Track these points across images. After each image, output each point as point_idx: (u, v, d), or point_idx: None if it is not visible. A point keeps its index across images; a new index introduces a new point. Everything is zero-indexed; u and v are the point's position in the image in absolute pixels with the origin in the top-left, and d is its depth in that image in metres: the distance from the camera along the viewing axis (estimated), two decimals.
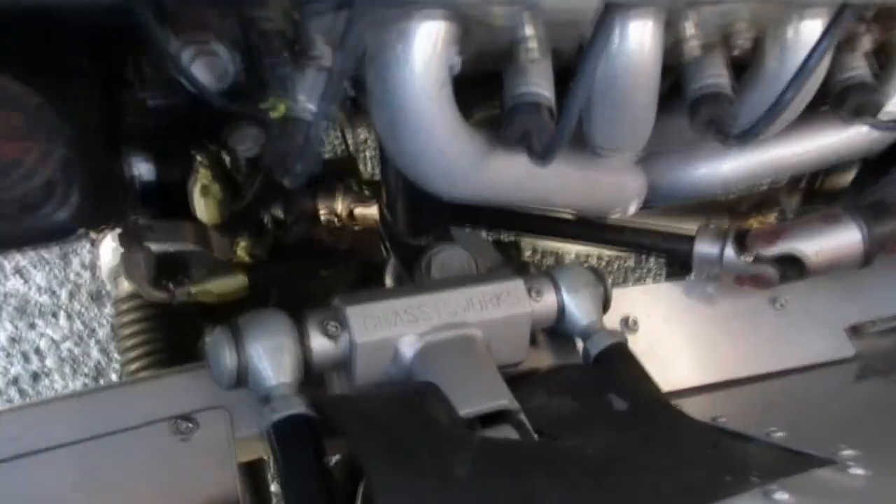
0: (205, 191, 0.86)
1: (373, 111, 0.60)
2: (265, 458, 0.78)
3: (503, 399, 0.64)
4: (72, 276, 1.34)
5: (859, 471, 0.50)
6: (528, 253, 1.45)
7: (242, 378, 0.64)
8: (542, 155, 0.61)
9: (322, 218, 1.09)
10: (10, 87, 0.43)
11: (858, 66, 0.75)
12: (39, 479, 0.66)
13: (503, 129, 0.63)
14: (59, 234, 0.50)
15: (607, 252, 1.67)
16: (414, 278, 0.92)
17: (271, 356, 0.64)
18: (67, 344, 1.29)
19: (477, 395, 0.64)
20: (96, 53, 0.57)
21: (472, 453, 0.55)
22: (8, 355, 1.26)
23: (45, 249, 1.31)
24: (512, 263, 1.06)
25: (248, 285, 0.88)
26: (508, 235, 1.36)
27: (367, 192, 1.09)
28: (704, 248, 0.87)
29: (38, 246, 0.59)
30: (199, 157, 0.78)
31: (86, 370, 1.27)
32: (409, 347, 0.67)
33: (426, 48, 0.55)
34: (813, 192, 1.16)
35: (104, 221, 0.58)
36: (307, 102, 0.52)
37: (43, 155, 0.43)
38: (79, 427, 0.68)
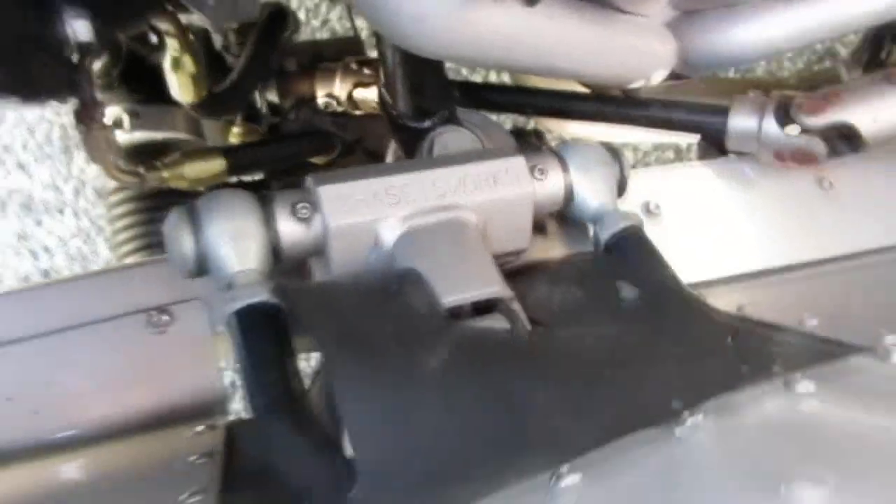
0: (175, 63, 0.78)
1: None
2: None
3: (493, 286, 0.56)
4: (75, 172, 1.29)
5: None
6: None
7: (202, 265, 0.57)
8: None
9: (320, 102, 1.00)
10: None
11: None
12: (6, 372, 0.63)
13: None
14: None
15: (645, 142, 1.55)
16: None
17: (233, 240, 0.57)
18: (75, 241, 1.26)
19: (464, 282, 0.56)
20: None
21: (449, 345, 0.48)
22: (17, 252, 1.24)
23: (46, 143, 1.27)
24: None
25: (226, 169, 0.81)
26: (528, 121, 1.25)
27: (367, 73, 1.00)
28: (741, 119, 0.76)
29: None
30: (162, 27, 0.70)
31: (95, 267, 1.25)
32: (390, 232, 0.60)
33: None
34: (881, 63, 1.02)
35: (39, 92, 0.51)
36: None
37: None
38: (49, 317, 0.64)
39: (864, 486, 0.30)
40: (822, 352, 0.44)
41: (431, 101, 0.86)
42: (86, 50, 0.60)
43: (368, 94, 1.00)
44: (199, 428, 0.61)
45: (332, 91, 0.99)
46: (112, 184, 1.15)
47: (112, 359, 0.65)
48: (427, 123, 0.85)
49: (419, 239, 0.60)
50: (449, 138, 0.82)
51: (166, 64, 0.77)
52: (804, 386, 0.39)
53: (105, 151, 0.69)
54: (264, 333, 0.53)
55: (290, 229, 0.59)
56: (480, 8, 0.55)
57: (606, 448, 0.37)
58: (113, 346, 0.65)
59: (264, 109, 0.99)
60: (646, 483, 0.34)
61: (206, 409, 0.65)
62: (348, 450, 0.48)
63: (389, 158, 0.92)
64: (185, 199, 0.97)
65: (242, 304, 0.53)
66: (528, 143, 1.03)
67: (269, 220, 0.58)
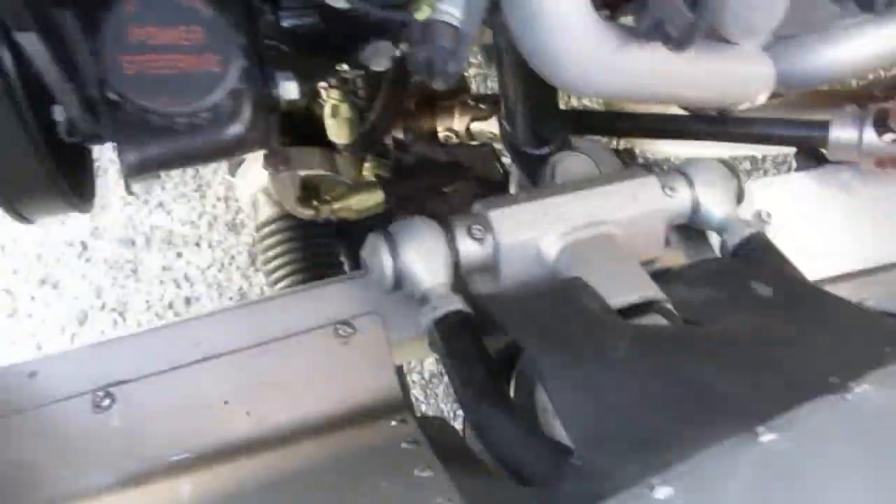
0: (335, 111, 0.90)
1: (509, 14, 0.61)
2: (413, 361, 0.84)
3: (650, 290, 0.66)
4: (208, 208, 1.43)
5: None
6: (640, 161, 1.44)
7: (399, 281, 0.68)
8: (679, 42, 0.60)
9: (440, 136, 1.11)
10: (191, 1, 0.46)
11: None
12: (222, 379, 0.74)
13: (636, 20, 0.63)
14: (231, 149, 0.54)
15: (722, 154, 1.63)
16: (538, 186, 0.94)
17: (425, 259, 0.68)
18: (212, 271, 1.39)
19: (623, 287, 0.66)
20: None
21: (628, 338, 0.58)
22: (161, 282, 1.37)
23: (182, 184, 1.41)
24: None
25: (384, 200, 0.92)
26: (621, 143, 1.35)
27: (483, 107, 1.11)
28: (842, 131, 0.84)
29: (212, 161, 0.63)
30: (330, 80, 0.82)
31: (230, 294, 1.37)
32: (551, 247, 0.70)
33: None
34: None
35: (264, 140, 0.62)
36: (448, 6, 0.54)
37: (224, 65, 0.47)
38: (252, 333, 0.75)
39: None
40: None
41: (548, 130, 0.96)
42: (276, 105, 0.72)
43: (484, 127, 1.10)
44: (393, 422, 0.72)
45: (452, 125, 1.11)
46: (242, 218, 1.28)
47: (308, 365, 0.75)
48: (545, 150, 0.96)
49: (578, 252, 0.70)
50: (569, 163, 0.93)
51: (326, 111, 0.89)
52: None
53: (288, 189, 0.81)
54: (463, 336, 0.63)
55: (468, 248, 0.69)
56: (631, 51, 0.66)
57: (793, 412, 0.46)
58: (308, 354, 0.76)
59: (391, 145, 1.11)
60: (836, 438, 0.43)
61: (388, 406, 0.75)
62: (548, 429, 0.58)
63: (513, 182, 1.03)
64: (323, 229, 1.09)
65: (442, 313, 0.64)
66: (624, 161, 1.13)
67: (451, 242, 0.69)
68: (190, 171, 1.36)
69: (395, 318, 0.76)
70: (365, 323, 0.76)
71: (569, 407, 0.53)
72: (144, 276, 1.38)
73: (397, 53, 0.71)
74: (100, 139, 0.65)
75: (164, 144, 0.50)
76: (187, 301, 1.34)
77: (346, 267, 1.13)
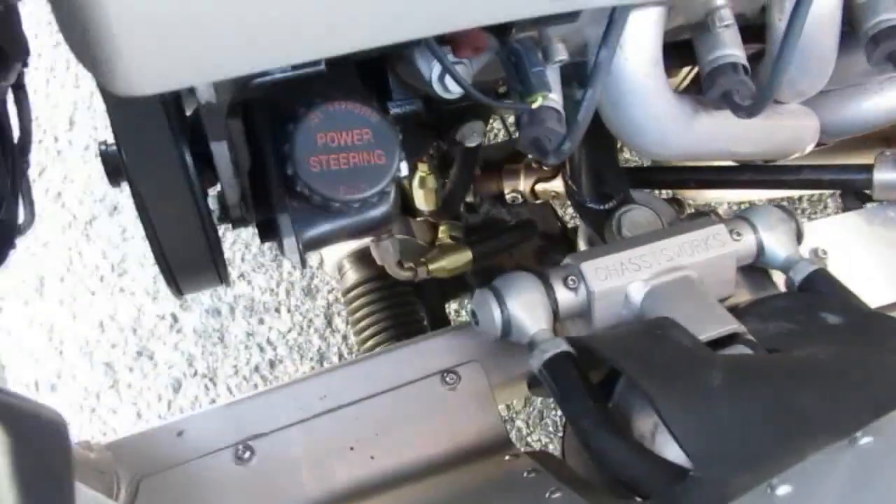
0: (422, 182, 1.00)
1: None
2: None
3: (732, 324, 0.74)
4: (285, 276, 1.54)
5: None
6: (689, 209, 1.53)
7: (507, 330, 0.77)
8: (749, 111, 0.70)
9: (508, 197, 1.22)
10: (359, 109, 0.57)
11: None
12: (346, 428, 0.82)
13: (705, 91, 0.73)
14: (382, 224, 0.64)
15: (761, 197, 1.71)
16: (605, 239, 1.04)
17: (528, 309, 0.77)
18: (292, 334, 1.49)
19: (707, 322, 0.74)
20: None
21: (722, 367, 0.66)
22: (247, 347, 1.47)
23: (260, 254, 1.53)
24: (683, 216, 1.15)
25: (472, 259, 1.02)
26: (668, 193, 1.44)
27: (546, 169, 1.21)
28: (885, 173, 0.93)
29: (367, 236, 0.73)
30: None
31: (311, 355, 1.47)
32: (637, 292, 0.79)
33: (643, 31, 0.66)
34: None
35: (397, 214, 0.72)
36: (555, 93, 0.64)
37: (389, 158, 0.58)
38: (369, 384, 0.84)
39: None
40: None
41: (610, 186, 1.06)
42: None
43: (548, 187, 1.21)
44: (507, 457, 0.80)
45: (517, 187, 1.21)
46: (317, 283, 1.37)
47: (421, 411, 0.84)
48: (609, 205, 1.06)
49: (661, 294, 0.78)
50: (633, 215, 1.03)
51: (414, 182, 1.00)
52: None
53: (389, 254, 0.91)
54: (573, 373, 0.71)
55: (563, 296, 0.78)
56: (701, 119, 0.76)
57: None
58: (420, 401, 0.84)
59: (462, 208, 1.21)
60: None
61: (497, 444, 0.83)
62: (658, 450, 0.65)
63: (581, 237, 1.12)
64: (405, 289, 1.18)
65: (552, 355, 0.73)
66: (674, 210, 1.22)
67: (549, 292, 0.78)
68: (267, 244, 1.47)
69: (494, 365, 0.85)
70: (468, 370, 0.85)
71: (682, 427, 0.61)
72: (231, 342, 1.48)
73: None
74: (244, 223, 0.75)
75: (335, 224, 0.60)
76: (271, 364, 1.44)
77: (426, 322, 1.22)
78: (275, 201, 0.60)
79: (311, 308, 1.49)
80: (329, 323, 1.47)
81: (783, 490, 0.51)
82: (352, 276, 1.18)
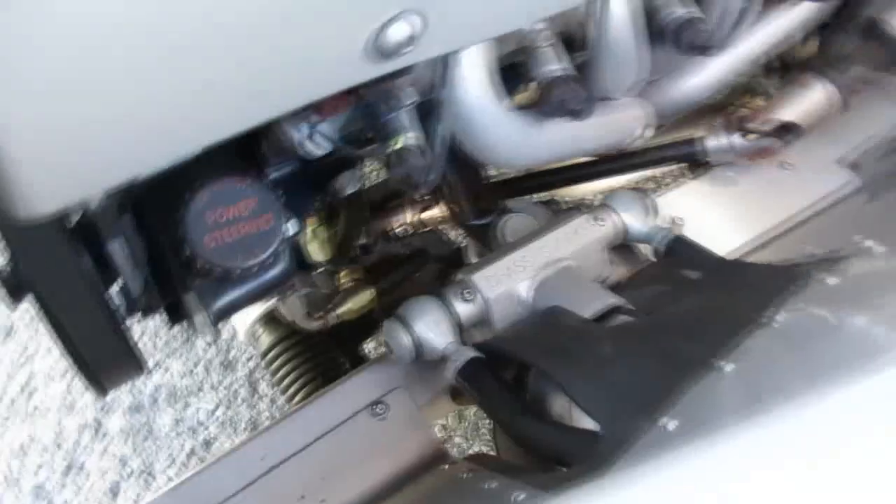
0: (314, 235, 1.06)
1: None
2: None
3: (611, 298, 0.83)
4: (201, 355, 1.55)
5: (881, 248, 0.70)
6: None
7: (419, 351, 0.84)
8: (581, 113, 0.81)
9: (398, 231, 1.29)
10: (240, 182, 0.63)
11: None
12: (292, 480, 0.86)
13: (542, 103, 0.83)
14: (284, 282, 0.69)
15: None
16: (493, 247, 1.12)
17: (434, 327, 0.84)
18: (220, 410, 1.50)
19: (590, 302, 0.83)
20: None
21: (610, 338, 0.75)
22: (178, 434, 1.47)
23: (172, 340, 1.53)
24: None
25: (376, 296, 1.08)
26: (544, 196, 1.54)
27: (427, 198, 1.29)
28: (716, 141, 1.07)
29: (272, 296, 0.78)
30: None
31: (243, 426, 1.48)
32: (527, 290, 0.87)
33: (475, 65, 0.76)
34: (788, 67, 1.34)
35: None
36: (413, 131, 0.72)
37: (275, 221, 0.63)
38: (304, 434, 0.88)
39: None
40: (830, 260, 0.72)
41: (486, 201, 1.15)
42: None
43: (433, 213, 1.28)
44: (445, 466, 0.86)
45: (405, 220, 1.28)
46: (234, 354, 1.40)
47: (360, 446, 0.88)
48: (489, 218, 1.15)
49: (548, 287, 0.87)
50: (513, 222, 1.12)
51: (307, 236, 1.05)
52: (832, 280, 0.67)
53: (298, 309, 0.96)
54: (486, 374, 0.79)
55: (463, 309, 0.86)
56: (543, 130, 0.85)
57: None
58: (356, 437, 0.89)
59: (357, 251, 1.27)
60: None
61: (435, 457, 0.89)
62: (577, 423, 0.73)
63: (471, 252, 1.21)
64: (320, 339, 1.23)
65: (462, 363, 0.80)
66: (551, 210, 1.33)
67: (449, 308, 0.85)
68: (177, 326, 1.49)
69: (417, 387, 0.91)
70: (394, 397, 0.91)
71: (585, 396, 0.69)
72: (160, 433, 1.47)
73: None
74: (152, 310, 0.79)
75: (240, 290, 0.65)
76: (206, 444, 1.44)
77: (347, 365, 1.27)
78: (178, 283, 0.65)
79: (233, 380, 1.51)
80: (254, 390, 1.49)
81: (672, 425, 0.59)
82: (266, 338, 1.22)
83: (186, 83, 0.48)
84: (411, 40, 0.53)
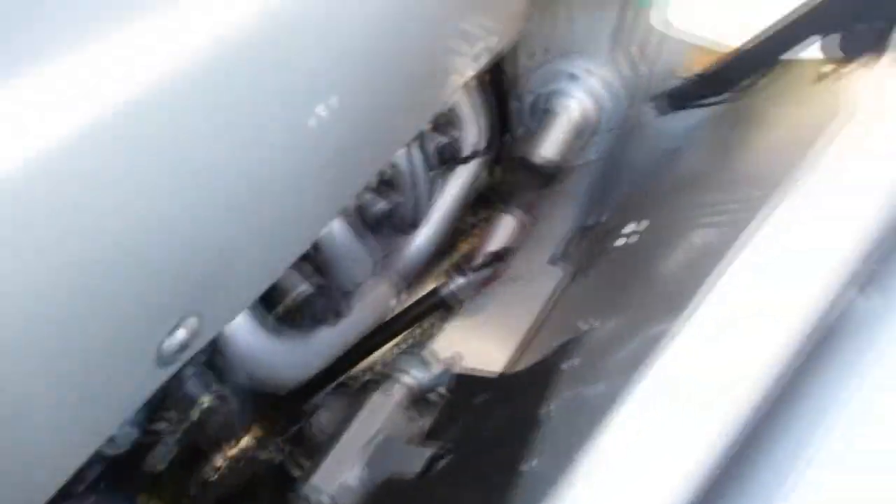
0: None
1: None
2: None
3: (427, 451, 0.96)
4: None
5: (597, 322, 0.92)
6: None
7: None
8: (340, 315, 0.97)
9: (224, 467, 1.33)
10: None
11: None
12: None
13: (300, 321, 0.98)
14: None
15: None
16: (315, 444, 1.22)
17: None
18: None
19: (412, 460, 0.96)
20: None
21: (440, 481, 0.89)
22: None
23: None
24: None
25: None
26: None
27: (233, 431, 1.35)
28: (454, 284, 1.28)
29: None
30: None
31: None
32: (359, 474, 0.99)
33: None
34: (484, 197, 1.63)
35: None
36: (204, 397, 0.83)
37: None
38: None
39: None
40: None
41: (291, 411, 1.26)
42: None
43: (246, 443, 1.35)
44: None
45: (228, 455, 1.33)
46: None
47: None
48: (301, 422, 1.25)
49: (375, 464, 0.99)
50: (324, 417, 1.23)
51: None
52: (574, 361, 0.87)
53: None
54: None
55: None
56: (308, 340, 1.00)
57: None
58: None
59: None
60: None
61: None
62: None
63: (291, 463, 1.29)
64: None
65: None
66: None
67: None
68: None
69: None
70: None
71: None
72: None
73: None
74: None
75: None
76: None
77: None
78: None
79: None
80: None
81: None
82: None
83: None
84: (190, 340, 0.65)
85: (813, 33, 0.83)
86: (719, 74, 0.93)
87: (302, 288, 0.99)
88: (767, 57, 0.91)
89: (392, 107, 0.90)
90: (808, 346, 0.53)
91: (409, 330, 1.40)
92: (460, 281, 1.29)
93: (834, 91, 0.88)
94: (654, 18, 1.10)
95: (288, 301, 0.99)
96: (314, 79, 0.73)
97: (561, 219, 1.43)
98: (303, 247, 0.85)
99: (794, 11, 0.83)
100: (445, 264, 1.43)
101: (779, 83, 1.15)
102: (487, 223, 1.35)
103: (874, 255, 0.56)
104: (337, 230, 1.05)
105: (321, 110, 0.73)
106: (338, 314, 0.99)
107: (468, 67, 1.12)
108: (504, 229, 1.30)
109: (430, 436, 1.05)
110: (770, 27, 0.86)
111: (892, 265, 0.57)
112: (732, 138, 1.25)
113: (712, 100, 1.00)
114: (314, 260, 1.05)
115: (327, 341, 1.03)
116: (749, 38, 0.88)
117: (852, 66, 0.80)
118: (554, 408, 0.85)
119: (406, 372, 1.11)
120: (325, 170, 0.80)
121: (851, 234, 0.57)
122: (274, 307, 1.07)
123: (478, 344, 1.25)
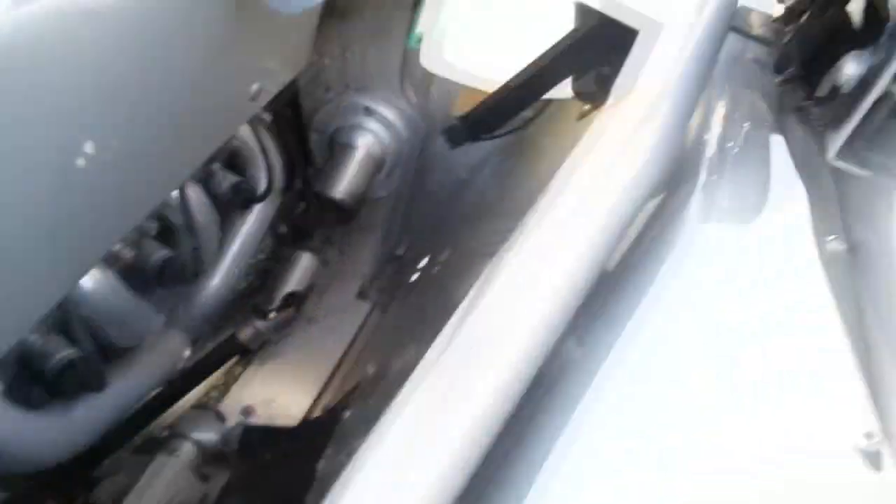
0: None
1: None
2: None
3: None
4: None
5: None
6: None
7: None
8: (103, 385, 0.90)
9: None
10: None
11: None
12: None
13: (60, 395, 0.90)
14: None
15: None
16: None
17: None
18: None
19: None
20: None
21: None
22: None
23: None
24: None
25: None
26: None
27: None
28: (249, 330, 1.23)
29: None
30: None
31: None
32: None
33: None
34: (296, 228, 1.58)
35: None
36: None
37: None
38: None
39: None
40: None
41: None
42: None
43: None
44: None
45: None
46: None
47: None
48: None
49: None
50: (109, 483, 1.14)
51: None
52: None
53: None
54: None
55: None
56: (71, 413, 0.91)
57: None
58: None
59: None
60: None
61: None
62: None
63: None
64: None
65: None
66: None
67: None
68: None
69: None
70: None
71: None
72: None
73: None
74: None
75: None
76: None
77: None
78: None
79: None
80: None
81: None
82: None
83: None
84: None
85: (557, 77, 0.87)
86: (484, 113, 0.95)
87: (61, 355, 0.90)
88: (525, 96, 0.94)
89: (155, 150, 0.85)
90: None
91: (210, 379, 1.34)
92: (259, 324, 1.25)
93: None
94: (424, 58, 1.12)
95: (49, 367, 0.91)
96: (61, 120, 0.67)
97: (365, 252, 1.42)
98: (49, 304, 0.78)
99: (541, 57, 0.87)
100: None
101: (555, 118, 1.20)
102: (286, 262, 1.31)
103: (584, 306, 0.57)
104: (106, 285, 0.98)
105: (72, 153, 0.68)
106: (98, 387, 0.91)
107: (246, 107, 1.08)
108: (302, 268, 1.27)
109: (224, 494, 1.00)
110: (522, 71, 0.89)
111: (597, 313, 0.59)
112: (518, 168, 1.29)
113: (497, 132, 1.02)
114: (84, 320, 0.97)
115: (96, 409, 0.95)
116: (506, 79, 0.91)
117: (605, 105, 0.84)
118: (324, 464, 0.83)
119: (193, 430, 1.06)
120: (77, 217, 0.74)
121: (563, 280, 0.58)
122: (36, 376, 0.98)
123: (278, 391, 1.21)
